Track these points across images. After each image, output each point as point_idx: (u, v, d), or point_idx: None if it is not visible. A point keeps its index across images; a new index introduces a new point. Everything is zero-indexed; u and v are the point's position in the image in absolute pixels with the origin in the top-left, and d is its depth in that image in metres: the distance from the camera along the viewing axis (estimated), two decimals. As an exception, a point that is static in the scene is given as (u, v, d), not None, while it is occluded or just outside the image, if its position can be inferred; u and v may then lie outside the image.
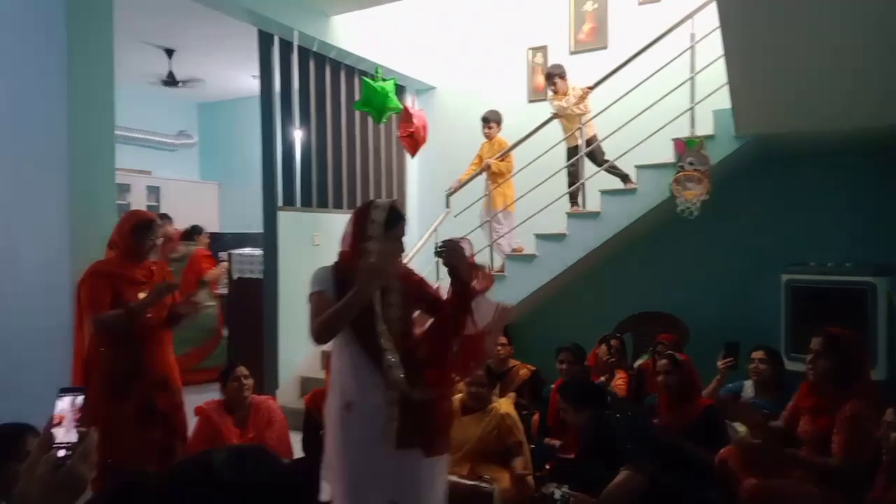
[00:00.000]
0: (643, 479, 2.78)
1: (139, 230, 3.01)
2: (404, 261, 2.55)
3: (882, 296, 3.90)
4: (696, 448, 3.01)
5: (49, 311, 3.42)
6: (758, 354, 3.47)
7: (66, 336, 3.26)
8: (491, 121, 5.29)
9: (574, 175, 4.95)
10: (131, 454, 2.75)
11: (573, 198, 4.99)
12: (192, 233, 6.19)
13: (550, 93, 5.07)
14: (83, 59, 3.43)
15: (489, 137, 5.30)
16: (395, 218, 2.20)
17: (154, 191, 7.21)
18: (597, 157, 4.87)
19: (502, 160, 5.12)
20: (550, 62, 5.95)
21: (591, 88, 4.80)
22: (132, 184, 6.90)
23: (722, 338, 3.66)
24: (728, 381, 3.55)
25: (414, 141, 5.18)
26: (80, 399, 1.15)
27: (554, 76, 4.97)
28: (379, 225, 2.17)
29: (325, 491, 2.25)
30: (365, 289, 2.07)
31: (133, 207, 6.78)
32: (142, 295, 2.95)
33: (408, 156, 6.45)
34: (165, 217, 6.14)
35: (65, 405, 1.14)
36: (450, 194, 5.20)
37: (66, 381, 3.00)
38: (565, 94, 4.90)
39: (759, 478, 2.61)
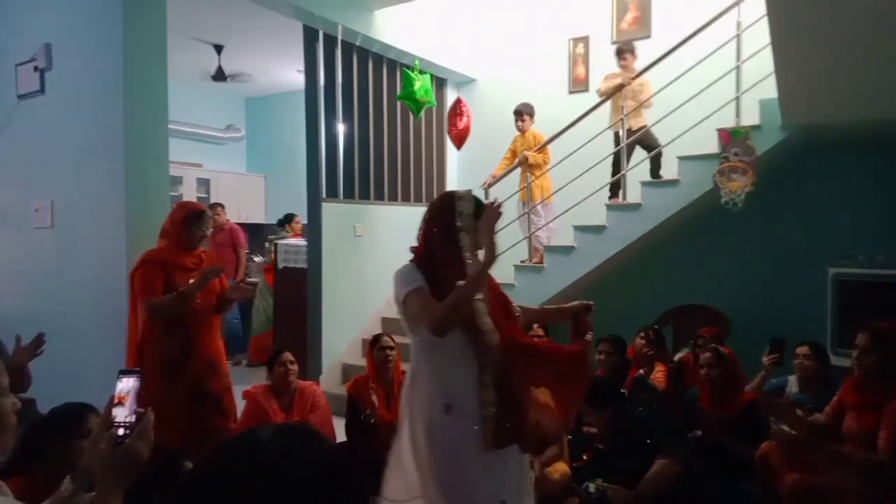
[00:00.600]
0: (679, 468, 2.77)
1: (190, 220, 3.12)
2: None
3: (936, 291, 3.77)
4: (734, 441, 2.99)
5: (106, 298, 3.61)
6: (802, 350, 3.40)
7: (121, 322, 3.43)
8: (524, 113, 5.28)
9: (617, 165, 4.91)
10: (182, 435, 2.88)
11: (614, 189, 4.95)
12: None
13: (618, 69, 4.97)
14: (138, 56, 3.59)
15: (522, 131, 5.29)
16: (480, 208, 2.14)
17: (204, 183, 7.44)
18: (649, 143, 4.77)
19: (539, 152, 5.11)
20: (592, 53, 5.92)
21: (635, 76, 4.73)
22: (184, 176, 7.13)
23: (766, 332, 3.60)
24: (772, 376, 3.50)
25: (462, 134, 5.23)
26: (137, 381, 1.23)
27: (626, 52, 4.89)
28: (469, 216, 2.11)
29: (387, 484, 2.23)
30: (481, 279, 2.03)
31: (184, 199, 7.05)
32: (192, 282, 3.08)
33: (448, 148, 6.51)
34: (218, 205, 6.38)
35: (124, 386, 1.22)
36: (486, 188, 5.22)
37: (121, 364, 3.16)
38: (632, 72, 4.82)
39: (801, 473, 2.58)
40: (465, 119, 5.15)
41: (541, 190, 5.12)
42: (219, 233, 6.24)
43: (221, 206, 6.48)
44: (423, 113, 5.10)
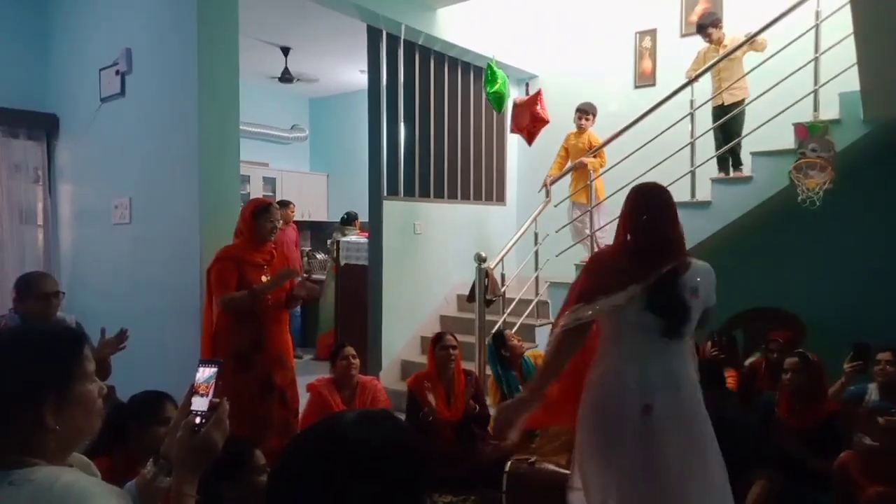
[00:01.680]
0: (774, 490, 2.65)
1: (258, 214, 3.24)
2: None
3: None
4: (810, 454, 2.84)
5: (180, 292, 3.76)
6: (885, 356, 3.22)
7: (195, 314, 3.58)
8: (589, 113, 5.20)
9: (725, 139, 4.53)
10: (251, 426, 2.99)
11: (722, 163, 4.62)
12: (281, 206, 6.61)
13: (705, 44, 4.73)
14: (212, 59, 3.72)
15: (583, 129, 5.21)
16: None
17: (270, 181, 7.67)
18: (735, 125, 4.47)
19: (595, 156, 5.03)
20: (660, 46, 5.76)
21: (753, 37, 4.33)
22: (251, 175, 7.37)
23: (843, 337, 3.41)
24: (852, 383, 3.32)
25: (534, 128, 5.17)
26: (216, 370, 1.27)
27: (706, 26, 4.65)
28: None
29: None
30: None
31: (251, 197, 7.28)
32: (264, 278, 3.19)
33: (509, 146, 6.48)
34: (286, 203, 6.58)
35: (202, 376, 1.27)
36: (544, 189, 5.19)
37: (195, 355, 3.29)
38: (721, 42, 4.60)
39: (883, 485, 2.44)
40: (541, 112, 5.05)
41: (596, 192, 5.05)
42: (286, 230, 6.43)
43: (293, 203, 6.67)
44: (504, 107, 5.10)
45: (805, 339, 4.11)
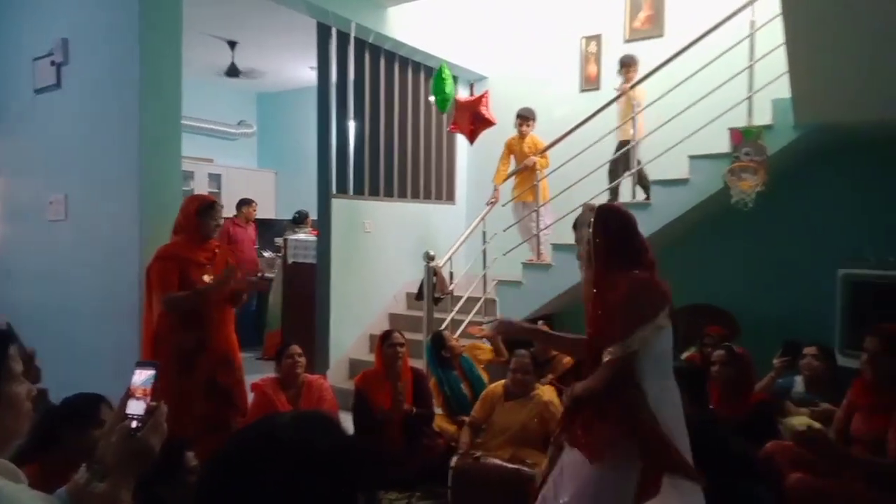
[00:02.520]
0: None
1: (203, 212, 3.17)
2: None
3: (948, 294, 3.74)
4: (742, 443, 2.97)
5: (118, 291, 3.66)
6: (810, 350, 3.40)
7: (133, 314, 3.48)
8: (529, 118, 5.31)
9: (614, 172, 4.95)
10: (192, 427, 2.93)
11: (614, 193, 4.98)
12: (241, 205, 6.50)
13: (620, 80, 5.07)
14: (154, 51, 3.63)
15: (524, 134, 5.31)
16: None
17: (216, 178, 7.50)
18: (627, 163, 4.83)
19: (542, 156, 5.15)
20: (604, 51, 5.91)
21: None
22: (195, 171, 7.19)
23: (774, 332, 3.59)
24: (781, 377, 3.49)
25: (477, 128, 5.21)
26: (153, 373, 1.25)
27: (627, 65, 5.00)
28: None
29: None
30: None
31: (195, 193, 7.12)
32: (207, 278, 3.12)
33: (458, 146, 6.53)
34: (248, 202, 6.55)
35: (139, 378, 1.24)
36: (494, 191, 5.27)
37: (132, 356, 3.20)
38: (630, 80, 4.91)
39: (806, 473, 2.57)
40: (486, 114, 5.10)
41: (544, 192, 5.17)
42: (248, 228, 6.32)
43: (255, 202, 6.62)
44: (448, 108, 5.12)
45: (739, 334, 4.29)
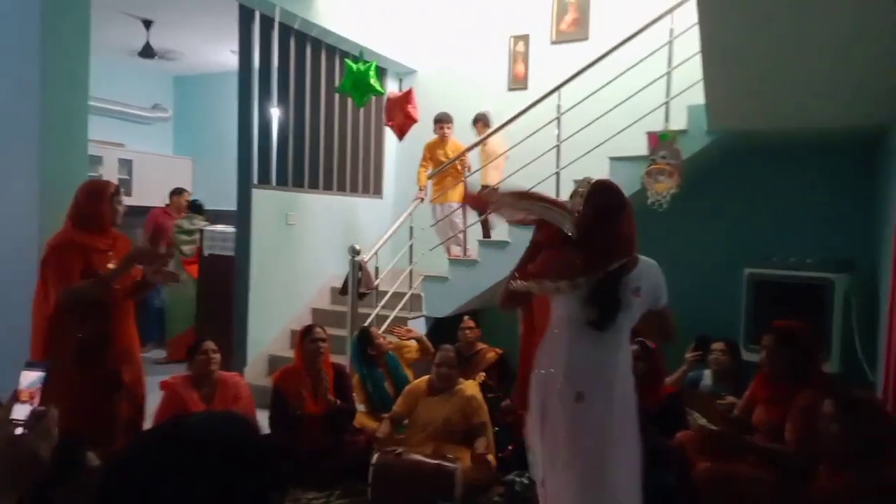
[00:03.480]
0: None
1: (108, 199, 2.94)
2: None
3: (840, 291, 4.02)
4: (655, 435, 3.09)
5: (14, 286, 3.36)
6: (718, 346, 3.58)
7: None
8: (448, 122, 5.35)
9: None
10: (97, 426, 2.74)
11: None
12: (173, 194, 6.17)
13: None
14: (58, 25, 3.37)
15: (445, 138, 5.34)
16: None
17: (126, 164, 7.07)
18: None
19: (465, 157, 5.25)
20: (532, 51, 5.99)
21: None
22: (104, 156, 6.75)
23: (686, 329, 3.73)
24: (692, 370, 3.66)
25: (404, 125, 5.17)
26: (41, 375, 1.14)
27: (479, 121, 5.39)
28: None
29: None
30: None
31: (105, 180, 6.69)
32: (111, 265, 2.92)
33: (386, 139, 6.46)
34: (180, 191, 6.21)
35: (26, 381, 1.13)
36: (421, 190, 5.29)
37: (27, 355, 2.96)
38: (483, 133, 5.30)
39: (712, 461, 2.70)
40: (412, 111, 5.07)
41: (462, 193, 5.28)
42: (175, 218, 5.97)
43: (187, 191, 6.31)
44: (365, 101, 5.01)
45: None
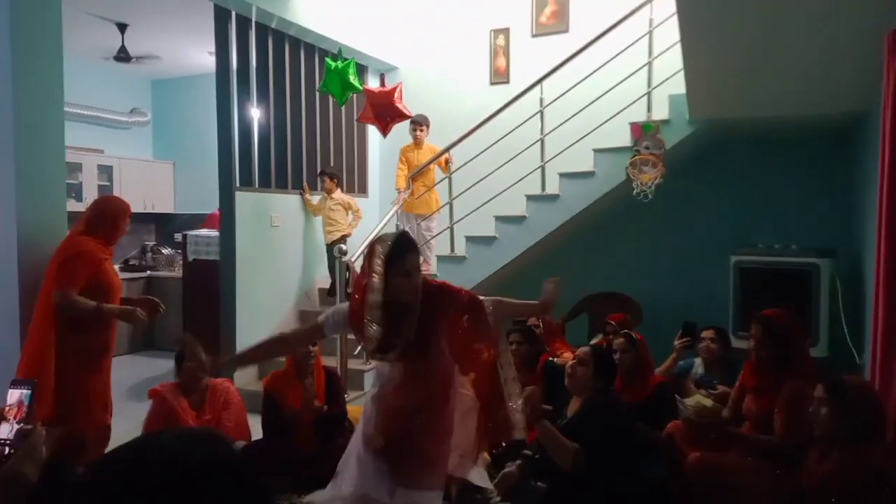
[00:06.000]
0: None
1: (124, 217, 3.17)
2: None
3: (825, 276, 4.06)
4: (644, 425, 3.10)
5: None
6: (708, 334, 3.59)
7: (15, 322, 3.15)
8: (423, 124, 5.32)
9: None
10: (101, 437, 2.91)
11: None
12: None
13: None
14: (29, 31, 3.29)
15: (420, 140, 5.31)
16: (400, 251, 2.19)
17: (106, 170, 6.97)
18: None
19: (445, 162, 5.22)
20: (513, 45, 5.98)
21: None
22: (83, 163, 6.65)
23: (675, 317, 3.77)
24: (682, 358, 3.67)
25: (388, 120, 5.10)
26: (28, 393, 1.11)
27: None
28: (381, 260, 2.16)
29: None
30: None
31: (84, 187, 6.59)
32: (114, 307, 3.07)
33: (370, 136, 6.42)
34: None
35: (13, 399, 1.11)
36: (396, 203, 5.27)
37: (13, 370, 2.91)
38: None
39: (702, 451, 2.72)
40: (401, 107, 4.98)
41: (435, 202, 5.30)
42: None
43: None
44: (345, 100, 4.95)
45: (641, 319, 4.49)
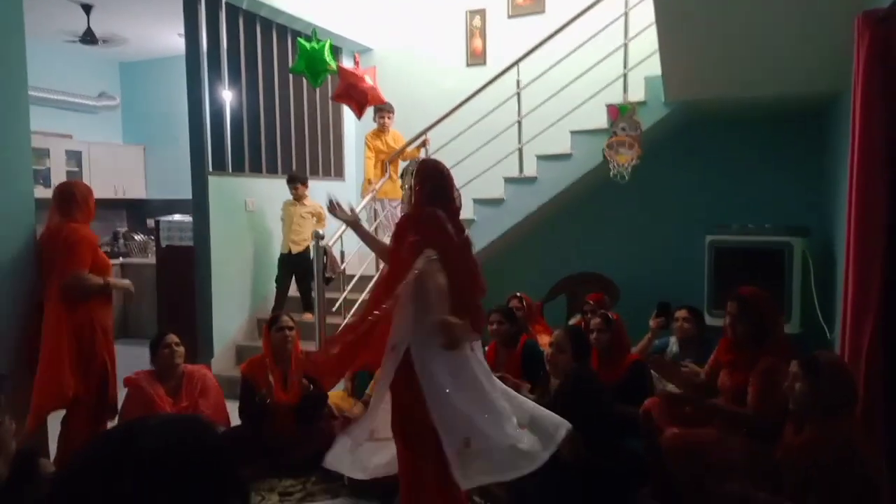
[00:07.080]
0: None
1: (90, 197, 3.30)
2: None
3: (798, 255, 4.13)
4: (620, 403, 3.14)
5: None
6: (682, 313, 3.64)
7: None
8: (389, 111, 5.27)
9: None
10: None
11: None
12: None
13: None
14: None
15: (386, 127, 5.27)
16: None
17: (75, 156, 6.80)
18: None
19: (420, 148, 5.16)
20: (489, 26, 5.93)
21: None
22: (51, 148, 6.48)
23: (652, 297, 3.81)
24: (657, 337, 3.73)
25: (361, 102, 5.02)
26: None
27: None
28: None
29: None
30: None
31: (52, 173, 6.42)
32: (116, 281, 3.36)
33: (345, 119, 6.34)
34: None
35: None
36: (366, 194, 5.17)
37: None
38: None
39: (679, 427, 2.76)
40: (367, 83, 4.90)
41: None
42: None
43: None
44: (321, 81, 4.87)
45: (618, 299, 4.53)
